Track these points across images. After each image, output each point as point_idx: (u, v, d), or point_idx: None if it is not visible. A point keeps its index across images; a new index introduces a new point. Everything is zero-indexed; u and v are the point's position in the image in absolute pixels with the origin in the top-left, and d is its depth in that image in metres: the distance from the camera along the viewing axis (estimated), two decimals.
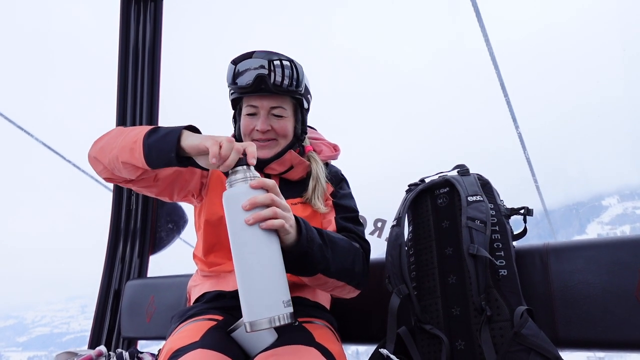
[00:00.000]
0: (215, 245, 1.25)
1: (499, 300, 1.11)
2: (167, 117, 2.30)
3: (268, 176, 1.26)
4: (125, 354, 1.41)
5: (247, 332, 0.83)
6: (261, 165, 1.24)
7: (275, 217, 0.85)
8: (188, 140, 0.94)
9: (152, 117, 2.22)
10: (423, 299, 1.24)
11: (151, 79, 2.22)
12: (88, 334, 2.02)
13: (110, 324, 2.01)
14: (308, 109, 1.31)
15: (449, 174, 1.34)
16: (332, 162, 1.41)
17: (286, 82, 1.17)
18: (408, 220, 1.36)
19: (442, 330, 1.17)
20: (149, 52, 2.22)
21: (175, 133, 0.96)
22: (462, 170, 1.32)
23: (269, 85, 1.15)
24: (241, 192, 0.85)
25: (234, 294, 1.16)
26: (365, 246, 1.23)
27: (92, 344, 1.97)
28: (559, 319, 1.16)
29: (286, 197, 1.15)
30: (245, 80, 1.17)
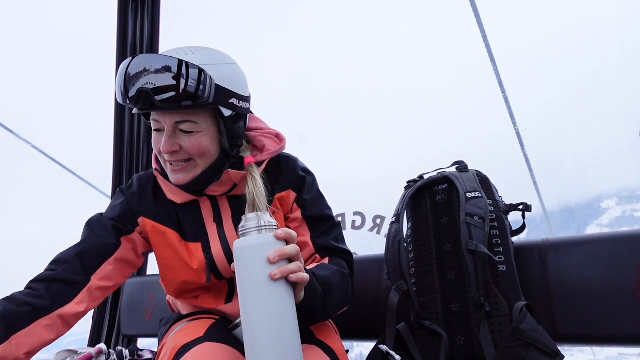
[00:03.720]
0: (186, 291, 1.15)
1: (498, 296, 1.12)
2: None
3: (213, 198, 1.10)
4: (126, 352, 1.41)
5: None
6: (200, 189, 1.06)
7: (301, 271, 0.78)
8: None
9: None
10: (422, 295, 1.24)
11: None
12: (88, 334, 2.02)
13: (110, 321, 2.01)
14: (238, 115, 1.02)
15: (447, 170, 1.34)
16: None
17: (179, 92, 0.89)
18: (407, 216, 1.36)
19: (442, 326, 1.17)
20: (147, 49, 2.22)
21: None
22: (461, 166, 1.32)
23: (154, 102, 0.89)
24: (264, 243, 0.77)
25: (221, 310, 1.14)
26: (348, 259, 1.13)
27: (92, 342, 1.97)
28: (558, 314, 1.17)
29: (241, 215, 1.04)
30: (128, 92, 0.91)
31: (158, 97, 0.89)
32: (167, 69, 0.90)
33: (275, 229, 0.80)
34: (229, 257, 1.08)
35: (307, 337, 1.02)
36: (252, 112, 1.17)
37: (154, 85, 0.89)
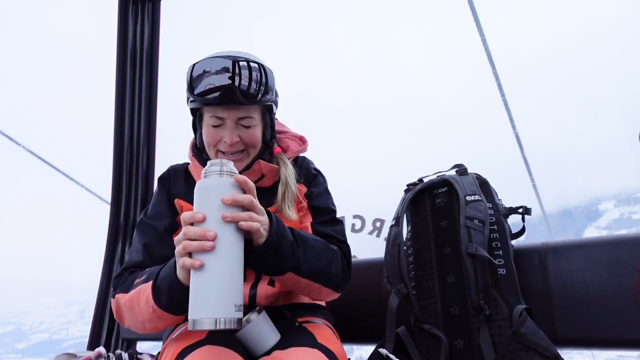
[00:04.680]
0: None
1: (497, 299, 1.12)
2: (166, 118, 2.30)
3: None
4: (125, 355, 1.41)
5: (189, 329, 0.81)
6: None
7: (251, 220, 0.84)
8: (179, 275, 0.90)
9: (150, 118, 2.22)
10: (422, 299, 1.24)
11: (149, 80, 2.23)
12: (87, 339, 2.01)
13: (109, 325, 2.01)
14: (276, 111, 1.23)
15: (447, 173, 1.34)
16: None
17: (255, 90, 1.07)
18: (407, 220, 1.36)
19: (441, 330, 1.17)
20: (147, 53, 2.22)
21: (172, 278, 0.92)
22: (461, 169, 1.32)
23: (238, 97, 1.05)
24: (221, 185, 0.83)
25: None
26: (344, 248, 1.19)
27: (91, 345, 1.97)
28: (558, 317, 1.17)
29: (262, 204, 1.11)
30: (208, 90, 1.05)
31: (242, 93, 1.04)
32: (249, 68, 1.06)
33: (234, 176, 0.85)
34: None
35: (309, 341, 1.01)
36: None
37: (241, 83, 1.04)
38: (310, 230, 1.17)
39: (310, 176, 1.26)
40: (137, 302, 1.00)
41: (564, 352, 1.08)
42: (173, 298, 0.91)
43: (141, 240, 1.17)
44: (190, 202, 1.15)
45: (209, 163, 0.86)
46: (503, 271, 1.15)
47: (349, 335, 1.39)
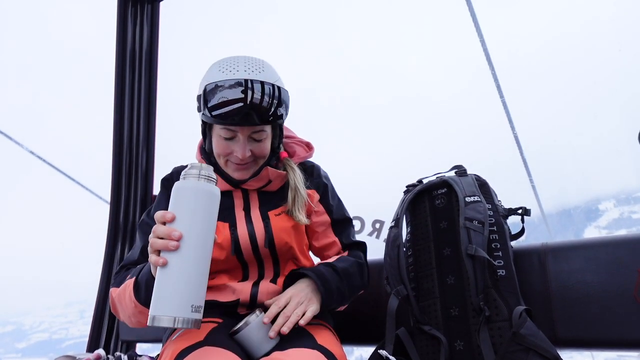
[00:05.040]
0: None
1: (497, 300, 1.11)
2: (165, 119, 2.30)
3: (246, 192, 1.22)
4: (124, 357, 1.41)
5: (147, 324, 0.83)
6: (238, 183, 1.20)
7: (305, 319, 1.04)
8: (152, 271, 0.93)
9: (150, 119, 2.22)
10: (422, 300, 1.24)
11: (148, 81, 2.23)
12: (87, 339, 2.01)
13: (108, 326, 2.01)
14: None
15: (446, 174, 1.34)
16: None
17: (272, 111, 1.07)
18: (406, 221, 1.36)
19: (441, 331, 1.17)
20: (146, 54, 2.22)
21: (148, 275, 0.95)
22: (460, 170, 1.32)
23: (255, 120, 1.06)
24: (197, 189, 0.86)
25: (232, 303, 1.17)
26: (363, 248, 1.31)
27: (91, 347, 1.96)
28: (558, 318, 1.16)
29: (269, 209, 1.21)
30: (224, 112, 1.05)
31: (257, 115, 1.05)
32: (263, 91, 1.05)
33: (212, 182, 0.87)
34: (252, 240, 1.18)
35: (309, 342, 1.02)
36: None
37: (258, 105, 1.05)
38: (339, 245, 1.29)
39: (322, 185, 1.30)
40: (124, 296, 1.04)
41: (564, 353, 1.08)
42: (149, 294, 0.91)
43: (141, 240, 1.19)
44: None
45: (189, 165, 0.88)
46: (503, 272, 1.14)
47: (349, 336, 1.39)
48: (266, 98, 1.05)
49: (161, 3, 2.27)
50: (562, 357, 1.01)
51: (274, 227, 1.18)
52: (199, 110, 1.13)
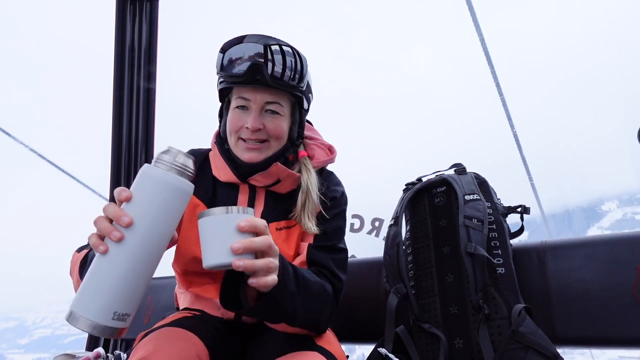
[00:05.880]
0: (194, 272, 1.11)
1: (496, 298, 1.11)
2: (164, 117, 2.29)
3: (253, 190, 1.11)
4: (123, 356, 1.41)
5: (65, 318, 0.70)
6: (245, 176, 1.08)
7: (269, 271, 0.75)
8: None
9: (149, 118, 2.22)
10: (421, 298, 1.24)
11: (147, 78, 2.22)
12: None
13: None
14: (307, 110, 1.13)
15: (446, 173, 1.34)
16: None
17: (287, 74, 1.00)
18: (405, 219, 1.36)
19: (440, 329, 1.17)
20: (145, 52, 2.22)
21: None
22: (459, 169, 1.32)
23: (265, 76, 0.98)
24: (163, 181, 0.71)
25: (219, 319, 1.09)
26: (337, 285, 1.05)
27: (90, 346, 1.96)
28: (557, 316, 1.16)
29: (271, 219, 1.06)
30: (237, 68, 1.00)
31: (271, 75, 0.98)
32: (282, 51, 0.99)
33: (185, 175, 0.73)
34: None
35: (307, 343, 1.00)
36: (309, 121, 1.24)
37: (272, 65, 0.98)
38: (304, 252, 1.06)
39: (330, 197, 1.13)
40: (74, 266, 0.96)
41: (563, 351, 1.08)
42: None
43: None
44: (199, 196, 1.10)
45: (166, 148, 0.74)
46: (502, 270, 1.14)
47: (348, 335, 1.39)
48: (287, 62, 0.99)
49: (160, 1, 2.27)
50: (561, 355, 1.01)
51: None
52: (217, 84, 1.07)
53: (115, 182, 2.18)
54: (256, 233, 0.74)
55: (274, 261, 0.76)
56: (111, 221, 0.69)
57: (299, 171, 1.11)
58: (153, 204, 0.70)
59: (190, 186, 0.74)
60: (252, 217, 0.74)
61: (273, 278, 0.76)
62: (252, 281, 0.75)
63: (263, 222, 0.75)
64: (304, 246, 1.08)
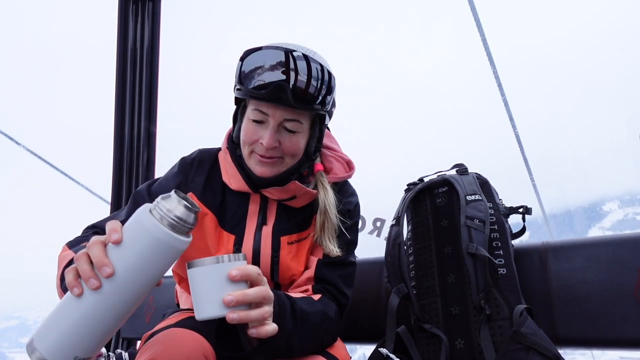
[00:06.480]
0: None
1: (498, 299, 1.12)
2: (166, 118, 2.30)
3: (265, 200, 1.06)
4: (125, 355, 1.41)
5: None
6: (258, 187, 1.03)
7: (263, 324, 0.73)
8: None
9: (151, 117, 2.23)
10: (422, 298, 1.24)
11: (149, 79, 2.23)
12: None
13: None
14: (329, 122, 1.07)
15: (447, 173, 1.34)
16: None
17: (311, 94, 0.92)
18: (407, 219, 1.36)
19: (442, 330, 1.17)
20: (147, 52, 2.22)
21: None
22: (461, 169, 1.32)
23: (288, 98, 0.90)
24: (160, 239, 0.65)
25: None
26: (343, 302, 1.05)
27: None
28: (558, 317, 1.16)
29: (283, 232, 1.03)
30: (257, 79, 0.92)
31: (294, 94, 0.90)
32: (308, 67, 0.91)
33: (185, 229, 0.67)
34: (256, 260, 1.03)
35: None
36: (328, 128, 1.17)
37: (295, 81, 0.90)
38: (313, 268, 1.04)
39: (345, 211, 1.10)
40: (60, 265, 0.91)
41: (565, 352, 1.08)
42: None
43: (129, 209, 1.06)
44: (207, 203, 1.05)
45: (170, 195, 0.66)
46: (503, 271, 1.14)
47: (349, 335, 1.39)
48: (312, 79, 0.91)
49: (162, 1, 2.27)
50: (562, 356, 1.01)
51: (283, 259, 1.03)
52: (234, 89, 1.00)
53: (117, 184, 2.19)
54: (250, 282, 0.72)
55: (270, 309, 0.75)
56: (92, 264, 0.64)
57: (315, 187, 1.05)
58: (140, 256, 0.65)
59: (185, 242, 0.67)
60: (244, 266, 0.72)
61: (273, 328, 0.74)
62: (252, 331, 0.73)
63: (256, 269, 0.72)
64: (313, 260, 1.05)
